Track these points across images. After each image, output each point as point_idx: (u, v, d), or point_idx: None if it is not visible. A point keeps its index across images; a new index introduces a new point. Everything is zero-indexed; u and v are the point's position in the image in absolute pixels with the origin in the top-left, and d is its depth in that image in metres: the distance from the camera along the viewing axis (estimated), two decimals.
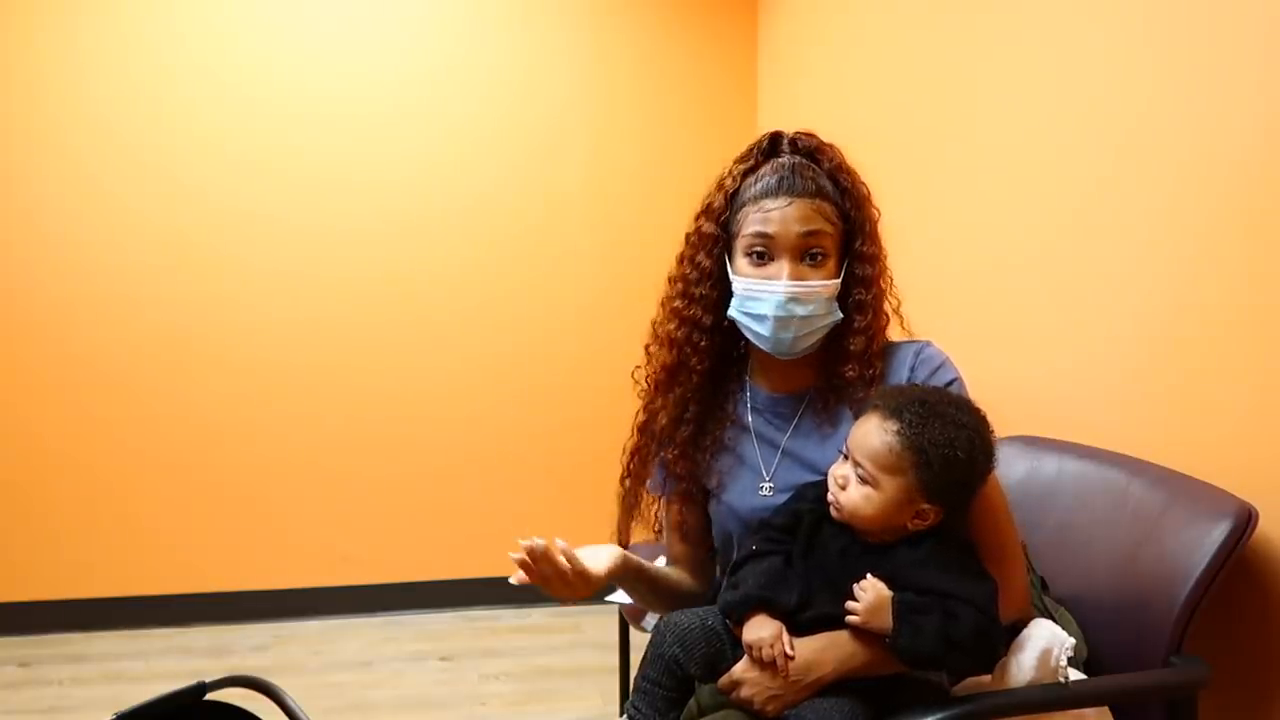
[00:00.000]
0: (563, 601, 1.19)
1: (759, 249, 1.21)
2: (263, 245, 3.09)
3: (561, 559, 1.13)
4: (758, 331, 1.22)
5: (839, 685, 1.07)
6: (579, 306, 3.30)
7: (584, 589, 1.17)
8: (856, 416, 1.17)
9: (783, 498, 1.23)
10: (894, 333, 1.33)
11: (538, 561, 1.12)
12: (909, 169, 2.28)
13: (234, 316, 3.09)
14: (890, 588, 1.06)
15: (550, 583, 1.15)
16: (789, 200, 1.19)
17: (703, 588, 1.37)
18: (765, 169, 1.23)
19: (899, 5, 2.34)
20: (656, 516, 1.39)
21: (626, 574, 1.26)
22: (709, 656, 1.16)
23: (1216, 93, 1.33)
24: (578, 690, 2.63)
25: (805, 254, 1.20)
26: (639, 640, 1.64)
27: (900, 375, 1.24)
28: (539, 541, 1.12)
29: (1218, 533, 1.17)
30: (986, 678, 1.12)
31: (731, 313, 1.25)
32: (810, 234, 1.19)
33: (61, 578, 3.05)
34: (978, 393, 1.22)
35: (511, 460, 3.29)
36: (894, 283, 1.30)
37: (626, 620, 2.21)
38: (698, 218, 1.29)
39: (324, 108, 3.09)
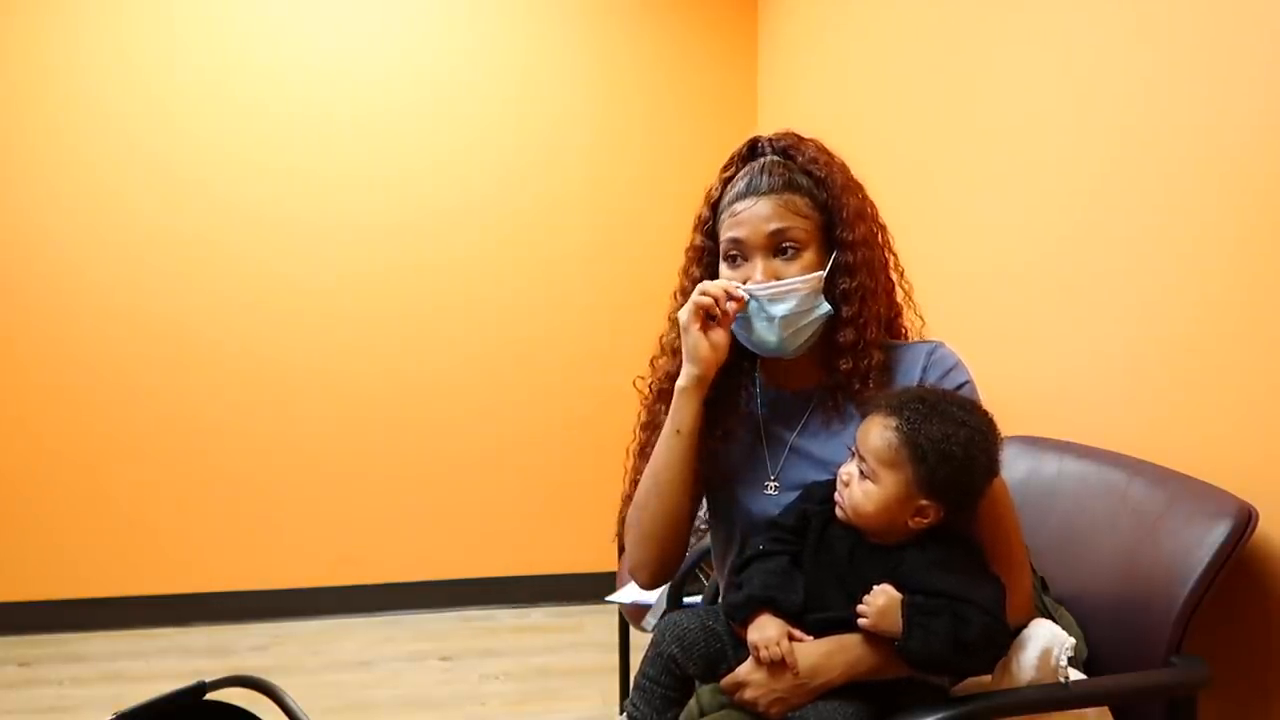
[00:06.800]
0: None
1: (733, 254, 1.22)
2: (261, 245, 3.09)
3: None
4: (746, 336, 1.23)
5: (841, 687, 1.06)
6: (579, 306, 3.30)
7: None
8: (861, 412, 1.17)
9: (788, 496, 1.23)
10: (912, 332, 1.33)
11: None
12: (910, 168, 2.28)
13: (233, 316, 3.09)
14: (898, 590, 1.06)
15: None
16: (755, 200, 1.20)
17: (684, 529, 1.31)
18: (740, 173, 1.24)
19: (899, 4, 2.34)
20: None
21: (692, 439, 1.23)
22: (708, 656, 1.16)
23: (1219, 93, 1.33)
24: (578, 690, 2.63)
25: (776, 251, 1.20)
26: (639, 640, 1.64)
27: (912, 376, 1.23)
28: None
29: (1218, 533, 1.17)
30: (987, 678, 1.12)
31: None
32: (778, 231, 1.19)
33: (61, 578, 3.05)
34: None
35: (511, 460, 3.29)
36: (904, 273, 1.29)
37: (626, 620, 2.21)
38: (692, 231, 1.31)
39: (324, 108, 3.09)
